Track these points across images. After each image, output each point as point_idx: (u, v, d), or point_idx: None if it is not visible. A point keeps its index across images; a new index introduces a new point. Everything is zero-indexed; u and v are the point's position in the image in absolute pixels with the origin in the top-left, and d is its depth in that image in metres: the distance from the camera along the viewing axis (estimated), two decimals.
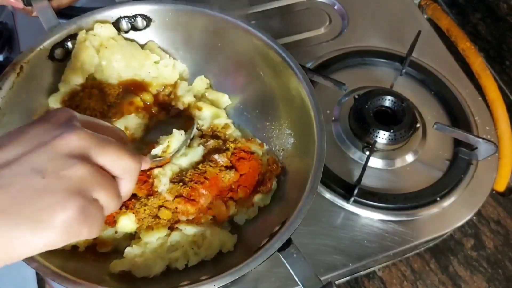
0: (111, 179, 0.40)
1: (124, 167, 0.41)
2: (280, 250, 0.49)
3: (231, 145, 0.63)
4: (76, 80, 0.63)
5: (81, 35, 0.64)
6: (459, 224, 0.71)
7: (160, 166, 0.60)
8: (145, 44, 0.70)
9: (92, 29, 0.65)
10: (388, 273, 0.73)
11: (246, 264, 0.48)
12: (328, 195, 0.71)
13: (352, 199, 0.69)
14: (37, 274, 0.70)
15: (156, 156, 0.60)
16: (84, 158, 0.37)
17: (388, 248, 0.68)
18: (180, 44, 0.71)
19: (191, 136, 0.64)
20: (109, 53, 0.65)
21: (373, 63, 0.88)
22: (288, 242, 0.50)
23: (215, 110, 0.68)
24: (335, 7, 0.96)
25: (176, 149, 0.61)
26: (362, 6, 0.96)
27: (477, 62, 0.87)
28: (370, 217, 0.70)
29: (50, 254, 0.51)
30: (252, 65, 0.68)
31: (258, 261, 0.48)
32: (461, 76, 0.87)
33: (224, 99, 0.70)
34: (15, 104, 0.58)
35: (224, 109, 0.71)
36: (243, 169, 0.61)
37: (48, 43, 0.61)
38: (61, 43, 0.63)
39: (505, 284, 0.73)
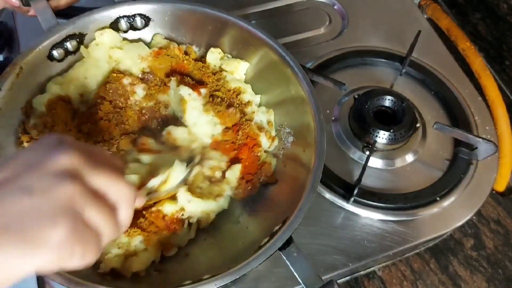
0: (106, 202, 0.39)
1: (119, 193, 0.39)
2: (281, 249, 0.50)
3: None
4: (68, 90, 0.63)
5: (83, 50, 0.64)
6: (459, 224, 0.71)
7: (151, 206, 0.57)
8: (151, 40, 0.70)
9: (90, 32, 0.65)
10: (388, 273, 0.73)
11: (247, 263, 0.48)
12: (328, 195, 0.71)
13: (352, 199, 0.69)
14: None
15: (151, 189, 0.55)
16: (74, 177, 0.36)
17: (388, 248, 0.68)
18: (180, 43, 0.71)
19: (192, 172, 0.60)
20: (115, 63, 0.66)
21: (373, 63, 0.88)
22: (289, 241, 0.50)
23: (241, 86, 0.67)
24: (335, 7, 0.96)
25: (174, 185, 0.57)
26: (362, 6, 0.96)
27: (477, 62, 0.87)
28: (370, 217, 0.70)
29: None
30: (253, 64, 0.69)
31: (259, 260, 0.48)
32: (461, 76, 0.87)
33: (242, 66, 0.68)
34: (15, 105, 0.58)
35: None
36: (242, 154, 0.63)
37: (47, 43, 0.61)
38: (60, 44, 0.63)
39: (505, 284, 0.73)
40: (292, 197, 0.56)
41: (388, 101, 0.77)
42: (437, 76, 0.85)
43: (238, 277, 0.47)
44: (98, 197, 0.38)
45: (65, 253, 0.34)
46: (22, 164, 0.36)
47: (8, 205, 0.34)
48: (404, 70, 0.86)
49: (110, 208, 0.39)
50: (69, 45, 0.64)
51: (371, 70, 0.87)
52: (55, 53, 0.62)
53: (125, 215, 0.41)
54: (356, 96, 0.79)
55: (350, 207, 0.70)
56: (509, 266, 0.75)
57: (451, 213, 0.71)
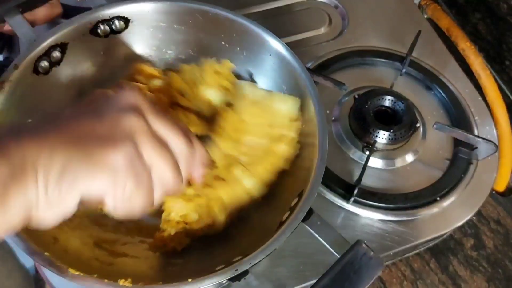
0: (167, 150, 0.39)
1: (179, 147, 0.40)
2: (304, 220, 0.51)
3: None
4: None
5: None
6: (459, 224, 0.71)
7: None
8: None
9: (72, 41, 0.64)
10: (388, 273, 0.73)
11: (276, 238, 0.49)
12: (328, 195, 0.71)
13: (352, 199, 0.69)
14: (36, 274, 0.70)
15: None
16: (138, 113, 0.38)
17: (388, 248, 0.68)
18: (163, 42, 0.69)
19: None
20: None
21: (373, 63, 0.88)
22: (310, 212, 0.51)
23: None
24: (336, 7, 0.96)
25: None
26: (362, 6, 0.96)
27: (477, 62, 0.87)
28: (370, 217, 0.70)
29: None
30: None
31: (286, 233, 0.49)
32: (461, 76, 0.87)
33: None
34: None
35: None
36: None
37: (30, 57, 0.59)
38: (43, 56, 0.61)
39: (505, 284, 0.73)
40: (292, 195, 0.56)
41: (388, 101, 0.77)
42: (437, 76, 0.85)
43: (270, 253, 0.48)
44: (159, 141, 0.39)
45: (118, 184, 0.36)
46: (101, 99, 0.40)
47: (82, 125, 0.37)
48: (404, 70, 0.86)
49: (171, 158, 0.39)
50: (53, 56, 0.62)
51: (371, 70, 0.87)
52: (40, 66, 0.60)
53: (182, 173, 0.41)
54: (356, 96, 0.79)
55: (350, 207, 0.70)
56: (509, 266, 0.75)
57: (451, 213, 0.71)
